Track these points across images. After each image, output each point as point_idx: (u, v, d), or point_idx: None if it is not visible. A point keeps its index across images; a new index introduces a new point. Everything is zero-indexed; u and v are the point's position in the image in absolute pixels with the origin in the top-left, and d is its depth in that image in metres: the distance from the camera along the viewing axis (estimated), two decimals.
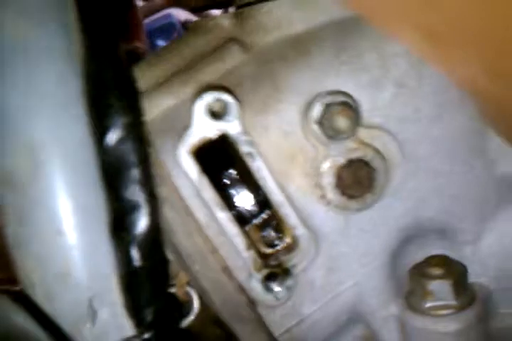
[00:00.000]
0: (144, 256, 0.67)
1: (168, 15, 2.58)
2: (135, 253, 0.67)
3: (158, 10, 2.61)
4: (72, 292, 0.69)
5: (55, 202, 0.67)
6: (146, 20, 2.54)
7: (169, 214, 0.72)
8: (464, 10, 0.26)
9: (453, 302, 0.73)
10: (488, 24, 0.26)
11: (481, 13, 0.26)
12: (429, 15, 0.27)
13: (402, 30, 0.29)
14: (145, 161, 0.67)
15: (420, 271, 0.75)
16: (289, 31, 0.74)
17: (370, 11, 0.28)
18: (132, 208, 0.66)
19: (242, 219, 0.74)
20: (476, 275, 0.77)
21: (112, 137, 0.65)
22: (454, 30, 0.28)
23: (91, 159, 0.67)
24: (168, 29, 2.49)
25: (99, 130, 0.66)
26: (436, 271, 0.74)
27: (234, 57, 0.74)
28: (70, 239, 0.68)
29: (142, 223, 0.67)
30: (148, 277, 0.68)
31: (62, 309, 0.69)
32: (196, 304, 0.86)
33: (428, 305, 0.74)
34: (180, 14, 2.59)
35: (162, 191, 0.73)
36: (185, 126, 0.70)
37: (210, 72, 0.74)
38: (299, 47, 0.73)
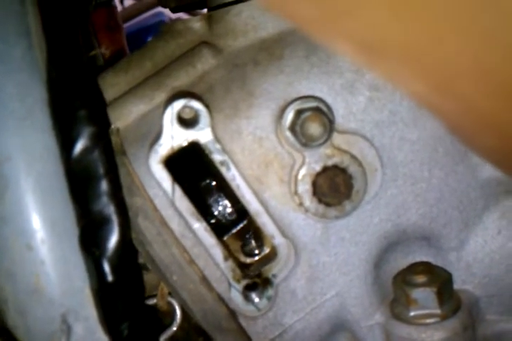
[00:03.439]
0: (115, 270, 0.66)
1: (159, 14, 2.55)
2: (107, 268, 0.65)
3: (148, 8, 2.59)
4: (45, 308, 0.67)
5: (23, 216, 0.66)
6: (136, 19, 2.52)
7: (144, 225, 0.70)
8: (385, 21, 0.23)
9: (437, 311, 0.71)
10: (423, 39, 0.24)
11: (408, 24, 0.24)
12: (356, 25, 0.25)
13: (333, 38, 0.27)
14: (112, 172, 0.65)
15: (404, 279, 0.73)
16: (260, 34, 0.71)
17: (293, 16, 0.26)
18: (102, 221, 0.65)
19: (220, 228, 0.73)
20: (461, 282, 0.75)
21: (78, 148, 0.63)
22: (385, 42, 0.25)
23: (58, 171, 0.65)
24: (158, 28, 2.46)
25: (65, 141, 0.64)
26: (420, 278, 0.72)
27: (205, 62, 0.72)
28: (40, 254, 0.66)
29: (112, 237, 0.65)
30: (122, 291, 0.67)
31: (35, 325, 0.68)
32: (179, 314, 0.85)
33: (412, 313, 0.72)
34: (171, 12, 2.56)
35: (136, 201, 0.71)
36: (157, 134, 0.69)
37: (181, 77, 0.71)
38: (271, 50, 0.70)
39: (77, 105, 0.64)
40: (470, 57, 0.26)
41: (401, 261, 0.75)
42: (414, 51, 0.27)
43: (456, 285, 0.74)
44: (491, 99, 0.27)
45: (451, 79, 0.27)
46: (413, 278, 0.72)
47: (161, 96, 0.71)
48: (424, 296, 0.71)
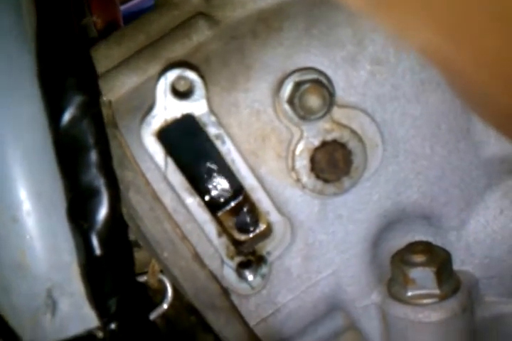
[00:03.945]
0: (104, 243, 0.64)
1: None
2: (95, 241, 0.63)
3: None
4: (30, 283, 0.65)
5: (8, 187, 0.63)
6: (133, 2, 2.47)
7: (135, 199, 0.68)
8: None
9: (436, 291, 0.70)
10: None
11: None
12: None
13: None
14: (102, 142, 0.63)
15: (402, 258, 0.71)
16: (259, 5, 0.69)
17: None
18: (90, 194, 0.62)
19: (214, 204, 0.70)
20: (460, 263, 0.74)
21: (67, 117, 0.61)
22: None
23: (46, 141, 0.63)
24: None
25: (53, 110, 0.62)
26: (419, 258, 0.70)
27: (201, 33, 0.69)
28: (26, 227, 0.64)
29: (102, 209, 0.63)
30: (110, 265, 0.65)
31: (19, 300, 0.66)
32: (170, 292, 0.83)
33: (410, 293, 0.71)
34: None
35: (127, 175, 0.69)
36: (150, 106, 0.66)
37: (176, 49, 0.69)
38: (269, 22, 0.68)
39: (66, 74, 0.62)
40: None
41: (400, 239, 0.73)
42: None
43: (456, 266, 0.72)
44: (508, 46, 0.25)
45: (468, 26, 0.25)
46: (412, 257, 0.70)
47: (155, 68, 0.69)
48: (422, 276, 0.69)
